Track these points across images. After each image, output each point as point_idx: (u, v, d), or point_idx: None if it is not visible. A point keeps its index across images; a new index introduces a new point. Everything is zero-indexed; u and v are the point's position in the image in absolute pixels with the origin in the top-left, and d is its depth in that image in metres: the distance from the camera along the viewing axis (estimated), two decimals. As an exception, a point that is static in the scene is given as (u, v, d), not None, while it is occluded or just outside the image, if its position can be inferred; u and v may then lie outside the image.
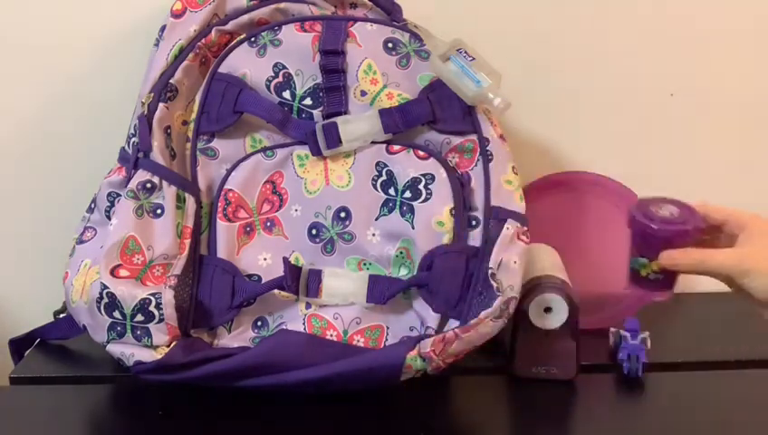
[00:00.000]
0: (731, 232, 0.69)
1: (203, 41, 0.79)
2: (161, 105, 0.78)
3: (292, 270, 0.76)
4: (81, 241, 0.80)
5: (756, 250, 0.66)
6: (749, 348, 0.87)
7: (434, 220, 0.75)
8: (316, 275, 0.77)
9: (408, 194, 0.76)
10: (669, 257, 0.68)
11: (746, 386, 0.80)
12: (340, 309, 0.76)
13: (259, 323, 0.77)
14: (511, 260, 0.74)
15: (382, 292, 0.75)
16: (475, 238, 0.75)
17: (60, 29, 0.91)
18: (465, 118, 0.77)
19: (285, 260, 0.76)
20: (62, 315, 0.85)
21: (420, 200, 0.76)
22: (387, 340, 0.76)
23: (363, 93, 0.77)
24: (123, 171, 0.79)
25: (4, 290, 1.01)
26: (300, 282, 0.76)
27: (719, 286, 0.68)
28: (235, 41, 0.80)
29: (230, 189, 0.78)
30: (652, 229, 0.68)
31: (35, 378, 0.82)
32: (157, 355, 0.73)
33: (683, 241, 0.68)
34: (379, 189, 0.77)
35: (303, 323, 0.76)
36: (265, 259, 0.78)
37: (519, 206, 0.77)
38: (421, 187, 0.76)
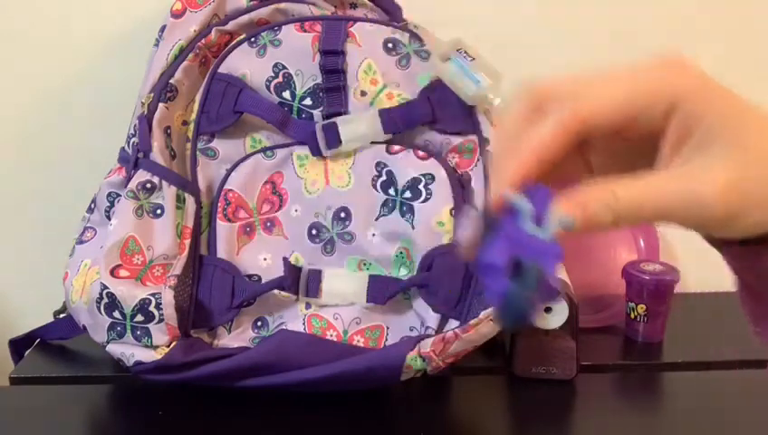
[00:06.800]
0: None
1: (203, 41, 0.79)
2: (161, 105, 0.78)
3: (292, 270, 0.76)
4: (80, 241, 0.80)
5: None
6: (750, 348, 0.86)
7: (434, 220, 0.75)
8: (316, 276, 0.77)
9: (407, 194, 0.76)
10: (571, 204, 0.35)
11: (747, 386, 0.80)
12: (340, 309, 0.76)
13: (259, 324, 0.77)
14: (511, 260, 0.74)
15: (382, 292, 0.75)
16: (475, 238, 0.75)
17: (60, 29, 0.91)
18: (466, 118, 0.77)
19: (285, 260, 0.76)
20: (62, 315, 0.85)
21: (420, 200, 0.76)
22: (387, 340, 0.76)
23: (363, 93, 0.77)
24: (123, 171, 0.79)
25: (4, 290, 1.01)
26: (300, 282, 0.76)
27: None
28: (234, 41, 0.80)
29: (230, 189, 0.78)
30: (644, 279, 0.85)
31: (35, 378, 0.82)
32: (157, 355, 0.73)
33: (666, 289, 0.84)
34: (379, 189, 0.77)
35: (303, 324, 0.76)
36: (265, 259, 0.78)
37: (519, 206, 0.76)
38: (421, 187, 0.76)
